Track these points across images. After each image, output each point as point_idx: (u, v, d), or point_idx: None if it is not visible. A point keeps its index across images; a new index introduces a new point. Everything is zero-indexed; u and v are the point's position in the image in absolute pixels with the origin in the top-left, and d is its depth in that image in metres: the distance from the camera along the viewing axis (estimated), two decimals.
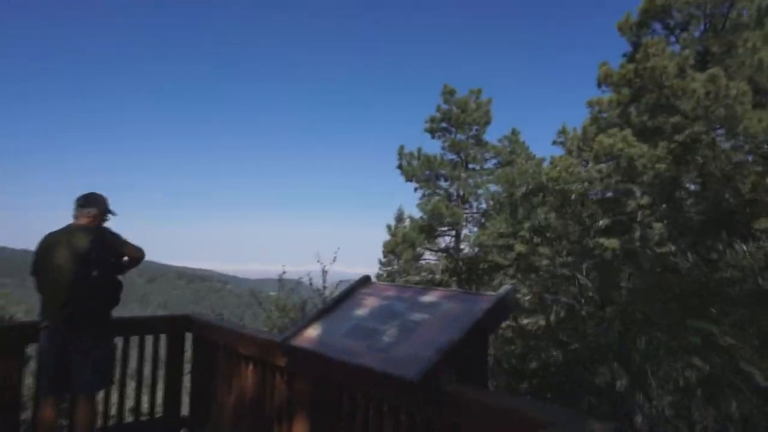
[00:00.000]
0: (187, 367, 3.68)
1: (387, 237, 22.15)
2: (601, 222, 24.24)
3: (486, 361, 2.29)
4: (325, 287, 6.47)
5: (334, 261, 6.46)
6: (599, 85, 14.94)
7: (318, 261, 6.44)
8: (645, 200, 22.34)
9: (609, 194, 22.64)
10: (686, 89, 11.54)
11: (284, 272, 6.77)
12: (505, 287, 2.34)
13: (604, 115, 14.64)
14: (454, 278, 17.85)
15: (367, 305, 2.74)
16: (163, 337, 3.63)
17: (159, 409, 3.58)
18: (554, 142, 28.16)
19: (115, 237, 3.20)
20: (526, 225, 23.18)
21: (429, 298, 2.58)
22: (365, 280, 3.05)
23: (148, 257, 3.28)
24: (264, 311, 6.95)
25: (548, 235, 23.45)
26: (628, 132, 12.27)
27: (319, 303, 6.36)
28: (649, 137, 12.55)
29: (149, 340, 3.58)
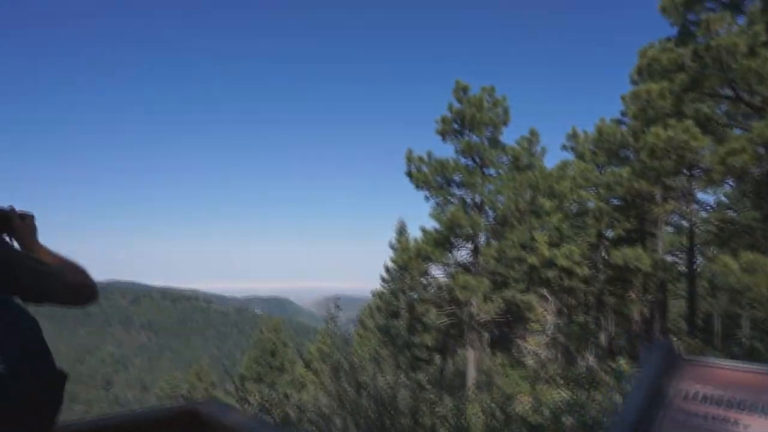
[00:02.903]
0: None
1: (384, 251, 20.33)
2: (612, 232, 22.56)
3: None
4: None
5: None
6: (639, 73, 13.37)
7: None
8: (670, 205, 20.71)
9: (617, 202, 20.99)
10: (760, 71, 9.88)
11: (338, 298, 4.74)
12: None
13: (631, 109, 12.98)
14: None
15: None
16: None
17: None
18: (563, 147, 26.64)
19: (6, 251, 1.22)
20: (539, 235, 21.47)
21: None
22: (672, 357, 1.13)
23: (128, 277, 1.40)
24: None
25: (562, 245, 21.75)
26: (689, 123, 10.57)
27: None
28: (712, 129, 10.90)
29: None
